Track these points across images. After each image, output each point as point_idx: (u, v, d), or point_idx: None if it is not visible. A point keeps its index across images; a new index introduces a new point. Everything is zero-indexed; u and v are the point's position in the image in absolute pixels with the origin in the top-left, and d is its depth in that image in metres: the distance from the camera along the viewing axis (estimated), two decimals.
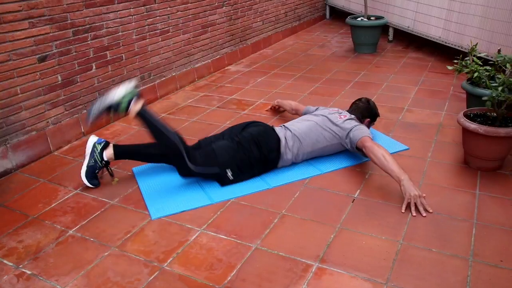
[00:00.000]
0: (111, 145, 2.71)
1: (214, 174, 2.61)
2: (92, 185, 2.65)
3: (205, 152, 2.63)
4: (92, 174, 2.65)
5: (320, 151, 2.84)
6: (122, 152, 2.72)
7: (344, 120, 2.83)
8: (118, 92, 2.47)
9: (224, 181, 2.62)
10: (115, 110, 2.47)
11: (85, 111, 3.42)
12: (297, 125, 2.84)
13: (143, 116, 2.50)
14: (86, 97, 3.43)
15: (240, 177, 2.64)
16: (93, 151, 2.66)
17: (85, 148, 2.71)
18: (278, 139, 2.72)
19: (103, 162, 2.66)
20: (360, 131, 2.72)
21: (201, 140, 2.83)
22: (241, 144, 2.64)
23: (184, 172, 2.60)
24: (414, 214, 2.30)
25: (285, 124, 2.89)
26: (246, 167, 2.64)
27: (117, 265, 2.04)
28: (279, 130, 2.79)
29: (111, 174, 2.76)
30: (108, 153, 2.68)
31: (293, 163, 2.83)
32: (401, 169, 2.40)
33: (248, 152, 2.63)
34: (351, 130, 2.75)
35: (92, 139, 2.71)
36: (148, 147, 2.73)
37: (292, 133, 2.77)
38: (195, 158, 2.55)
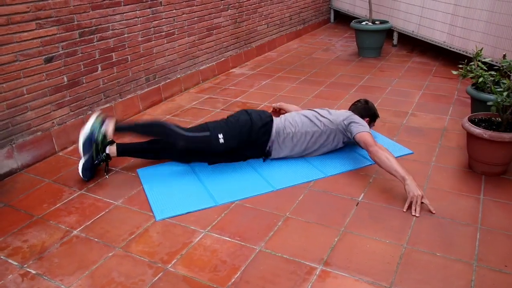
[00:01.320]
0: (115, 143, 2.83)
1: (205, 138, 2.73)
2: (84, 177, 2.72)
3: (198, 125, 2.89)
4: (90, 166, 2.71)
5: (314, 143, 2.87)
6: (125, 148, 2.87)
7: (337, 111, 2.95)
8: (86, 126, 2.73)
9: (215, 146, 2.73)
10: (96, 141, 2.72)
11: (90, 112, 3.44)
12: (292, 117, 2.95)
13: (122, 129, 2.80)
14: (92, 98, 3.45)
15: (230, 142, 2.75)
16: (96, 144, 2.75)
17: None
18: (271, 121, 2.85)
19: (105, 154, 2.78)
20: (357, 124, 2.76)
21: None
22: (235, 118, 2.84)
23: (181, 143, 2.72)
24: (414, 214, 2.32)
25: (281, 115, 3.04)
26: (236, 136, 2.76)
27: (122, 266, 2.04)
28: (274, 118, 2.92)
29: (106, 171, 2.84)
30: (111, 150, 2.81)
31: (290, 155, 2.90)
32: (405, 170, 2.43)
33: (240, 123, 2.78)
34: (347, 117, 2.84)
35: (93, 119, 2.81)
36: (148, 143, 2.90)
37: (286, 121, 2.90)
38: (188, 129, 2.78)
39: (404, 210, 2.35)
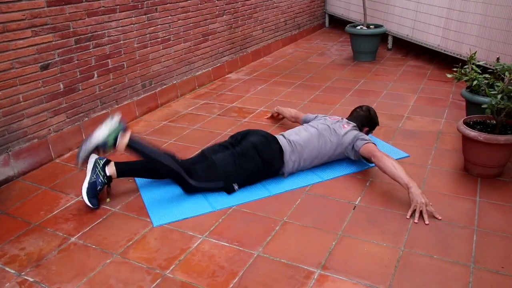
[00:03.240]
0: (112, 162, 2.62)
1: (219, 188, 2.62)
2: (91, 204, 2.49)
3: (206, 166, 2.62)
4: (93, 191, 2.51)
5: (321, 160, 2.85)
6: (125, 169, 2.66)
7: (346, 132, 2.83)
8: (103, 132, 2.44)
9: (230, 192, 2.64)
10: (103, 149, 2.47)
11: (86, 118, 3.44)
12: (297, 135, 2.82)
13: (133, 147, 2.50)
14: (88, 105, 3.45)
15: (245, 186, 2.67)
16: (95, 167, 2.55)
17: (87, 165, 2.58)
18: (280, 147, 2.72)
19: (106, 177, 2.56)
20: (362, 140, 2.75)
21: (204, 149, 2.82)
22: (243, 154, 2.64)
23: (188, 189, 2.62)
24: (416, 221, 2.31)
25: (284, 134, 2.87)
26: (250, 177, 2.66)
27: (120, 273, 2.04)
28: (279, 139, 2.78)
29: (108, 193, 2.67)
30: (111, 170, 2.59)
31: (295, 171, 2.84)
32: (410, 177, 2.43)
33: (251, 161, 2.63)
34: (353, 141, 2.78)
35: (94, 156, 2.59)
36: (150, 164, 2.69)
37: (293, 143, 2.76)
38: (196, 174, 2.57)
39: (408, 217, 2.35)
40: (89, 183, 2.52)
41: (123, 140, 2.45)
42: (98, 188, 2.53)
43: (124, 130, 2.49)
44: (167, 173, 2.67)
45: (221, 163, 2.60)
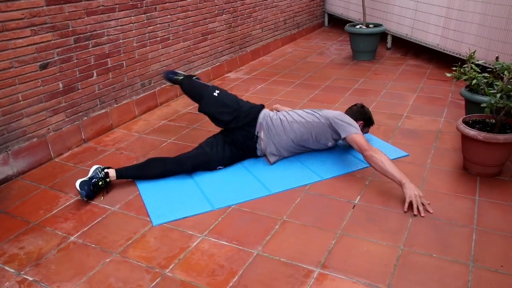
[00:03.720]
0: (113, 169, 2.75)
1: (202, 91, 3.01)
2: (80, 188, 2.54)
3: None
4: (88, 182, 2.60)
5: (306, 132, 2.88)
6: (124, 170, 2.78)
7: (329, 111, 2.97)
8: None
9: (208, 97, 2.96)
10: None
11: (85, 118, 3.44)
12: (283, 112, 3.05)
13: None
14: (87, 104, 3.45)
15: (223, 95, 2.98)
16: (95, 171, 2.69)
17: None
18: (261, 105, 3.04)
19: (103, 173, 2.67)
20: (348, 124, 2.76)
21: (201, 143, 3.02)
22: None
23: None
24: (416, 213, 2.34)
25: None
26: (231, 101, 2.97)
27: (119, 271, 2.04)
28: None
29: (105, 192, 2.70)
30: (111, 173, 2.72)
31: (280, 144, 2.90)
32: (402, 173, 2.45)
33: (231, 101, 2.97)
34: (336, 115, 2.84)
35: (95, 166, 2.77)
36: (148, 164, 2.83)
37: (276, 112, 3.05)
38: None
39: (405, 210, 2.37)
40: (86, 178, 2.64)
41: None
42: (93, 180, 2.62)
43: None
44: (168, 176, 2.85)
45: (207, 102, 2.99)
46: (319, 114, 2.92)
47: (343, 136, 2.75)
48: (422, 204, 2.39)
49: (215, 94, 2.96)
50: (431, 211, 2.37)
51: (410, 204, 2.39)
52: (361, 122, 3.04)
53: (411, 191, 2.39)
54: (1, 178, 2.86)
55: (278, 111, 3.63)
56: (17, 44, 2.85)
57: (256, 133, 2.90)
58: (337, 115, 2.85)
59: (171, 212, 2.47)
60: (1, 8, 2.72)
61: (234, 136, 2.91)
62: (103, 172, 2.68)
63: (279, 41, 6.42)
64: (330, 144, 2.96)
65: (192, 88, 3.17)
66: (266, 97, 4.30)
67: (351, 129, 2.73)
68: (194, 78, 3.26)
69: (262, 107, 3.03)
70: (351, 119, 2.85)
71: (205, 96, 2.99)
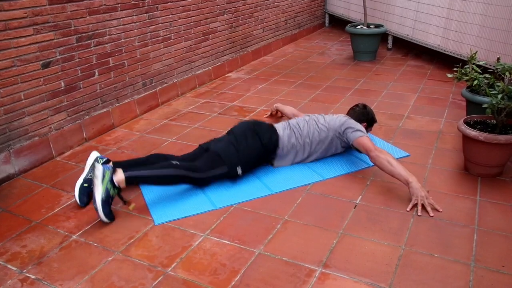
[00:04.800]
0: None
1: (225, 173, 2.66)
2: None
3: (207, 156, 2.70)
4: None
5: (318, 146, 2.89)
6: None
7: (336, 117, 2.94)
8: (98, 189, 2.33)
9: (235, 178, 2.74)
10: (111, 197, 2.38)
11: (87, 117, 3.44)
12: (291, 125, 2.96)
13: (132, 179, 2.43)
14: (89, 103, 3.45)
15: (247, 170, 2.77)
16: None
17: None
18: (271, 125, 2.90)
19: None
20: (356, 130, 2.77)
21: (201, 144, 2.89)
22: (240, 136, 2.75)
23: (199, 183, 2.65)
24: (420, 214, 2.35)
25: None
26: (252, 156, 2.74)
27: (121, 270, 2.04)
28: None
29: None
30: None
31: (293, 162, 2.91)
32: (408, 172, 2.46)
33: (249, 140, 2.74)
34: (342, 123, 2.85)
35: (94, 154, 2.72)
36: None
37: (287, 124, 2.94)
38: (200, 168, 2.61)
39: (408, 210, 2.39)
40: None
41: (119, 177, 2.38)
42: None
43: (112, 170, 2.40)
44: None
45: (222, 149, 2.70)
46: (324, 126, 2.89)
47: (350, 141, 2.76)
48: (430, 204, 2.39)
49: (240, 173, 2.71)
50: (440, 210, 2.38)
51: (415, 205, 2.40)
52: (365, 123, 3.05)
53: (418, 192, 2.39)
54: (3, 177, 2.86)
55: (279, 113, 3.66)
56: (19, 42, 2.85)
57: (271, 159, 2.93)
58: (343, 123, 2.85)
59: (173, 211, 2.48)
60: (4, 6, 2.73)
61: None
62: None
63: (280, 41, 6.42)
64: (339, 151, 2.98)
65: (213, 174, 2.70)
66: (267, 97, 4.31)
67: (357, 133, 2.75)
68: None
69: (278, 139, 2.85)
70: (355, 122, 2.86)
71: (231, 176, 2.73)
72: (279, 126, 2.92)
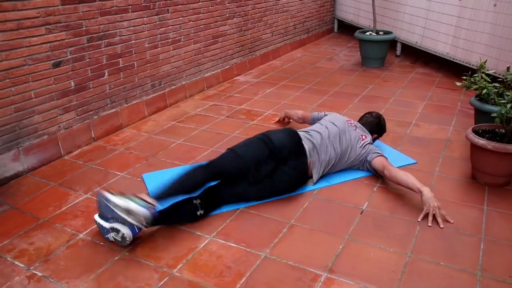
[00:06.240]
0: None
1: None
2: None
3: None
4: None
5: (337, 160, 2.81)
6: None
7: (363, 144, 2.85)
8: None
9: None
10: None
11: (96, 116, 3.47)
12: (317, 133, 2.80)
13: (158, 221, 2.25)
14: (98, 103, 3.48)
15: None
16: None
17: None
18: (304, 148, 2.68)
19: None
20: (375, 153, 2.80)
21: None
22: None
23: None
24: (430, 224, 2.34)
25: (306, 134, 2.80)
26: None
27: (128, 270, 2.05)
28: (302, 138, 2.73)
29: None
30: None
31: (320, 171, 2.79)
32: (421, 182, 2.47)
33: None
34: (367, 154, 2.82)
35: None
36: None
37: (313, 139, 2.75)
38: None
39: (419, 220, 2.37)
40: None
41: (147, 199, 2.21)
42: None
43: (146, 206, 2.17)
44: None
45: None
46: (354, 154, 2.82)
47: (371, 164, 2.78)
48: (441, 215, 2.38)
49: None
50: (452, 221, 2.36)
51: (426, 214, 2.39)
52: (376, 135, 3.06)
53: (430, 202, 2.37)
54: (12, 174, 2.88)
55: (287, 119, 3.64)
56: (31, 42, 2.88)
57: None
58: (368, 153, 2.82)
59: None
60: (18, 6, 2.76)
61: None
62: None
63: (289, 45, 6.44)
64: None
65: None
66: (275, 101, 4.32)
67: (376, 155, 2.78)
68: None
69: (303, 149, 2.69)
70: (375, 148, 2.87)
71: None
72: (307, 144, 2.71)
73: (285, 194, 2.63)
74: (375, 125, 3.07)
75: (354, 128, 2.93)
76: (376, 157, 2.76)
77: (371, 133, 3.01)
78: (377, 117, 3.12)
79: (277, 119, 3.77)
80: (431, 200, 2.38)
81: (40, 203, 2.62)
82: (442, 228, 2.31)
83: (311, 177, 2.75)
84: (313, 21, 7.08)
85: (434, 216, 2.37)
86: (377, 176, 2.82)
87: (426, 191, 2.41)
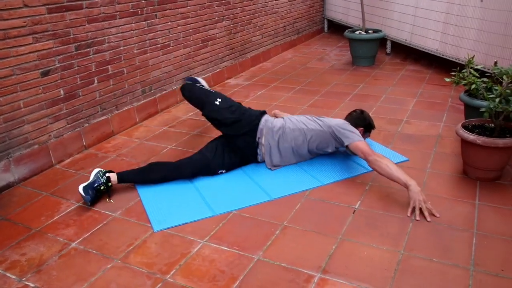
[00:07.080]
0: (115, 173, 2.77)
1: (203, 99, 3.07)
2: (85, 195, 2.58)
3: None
4: (91, 185, 2.63)
5: (307, 140, 2.90)
6: (125, 174, 2.81)
7: (320, 118, 2.99)
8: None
9: (209, 105, 3.00)
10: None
11: (86, 124, 3.45)
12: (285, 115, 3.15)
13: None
14: (88, 111, 3.47)
15: (224, 103, 2.99)
16: (96, 175, 2.72)
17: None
18: (263, 111, 3.07)
19: (105, 177, 2.70)
20: (351, 132, 2.77)
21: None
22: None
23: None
24: (418, 218, 2.35)
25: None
26: (232, 110, 2.98)
27: (120, 277, 2.05)
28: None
29: (109, 196, 2.72)
30: (112, 177, 2.74)
31: (283, 153, 2.93)
32: (407, 175, 2.46)
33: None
34: (338, 124, 2.84)
35: (96, 170, 2.78)
36: (149, 169, 2.87)
37: (279, 118, 3.10)
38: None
39: (408, 215, 2.38)
40: (88, 183, 2.66)
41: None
42: (96, 185, 2.65)
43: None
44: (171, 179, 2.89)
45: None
46: (321, 121, 2.94)
47: (346, 144, 2.75)
48: (427, 208, 2.39)
49: (217, 103, 2.97)
50: (438, 215, 2.38)
51: (414, 208, 2.40)
52: (361, 128, 3.05)
53: (416, 196, 2.39)
54: (3, 185, 2.87)
55: (277, 117, 3.66)
56: (18, 51, 2.87)
57: (257, 139, 2.91)
58: (340, 123, 2.85)
59: (172, 218, 2.48)
60: (3, 16, 2.75)
61: (235, 143, 2.92)
62: (104, 177, 2.70)
63: (279, 47, 6.45)
64: (330, 149, 2.96)
65: (192, 95, 3.19)
66: (266, 103, 4.32)
67: (354, 137, 2.74)
68: (197, 85, 3.28)
69: (263, 113, 3.05)
70: (352, 127, 2.85)
71: (206, 104, 3.01)
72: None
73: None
74: (358, 119, 3.07)
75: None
76: (354, 142, 2.70)
77: (357, 127, 2.99)
78: (360, 112, 3.13)
79: None
80: (418, 194, 2.39)
81: (32, 213, 2.61)
82: (430, 221, 2.32)
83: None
84: (302, 21, 7.09)
85: (421, 210, 2.38)
86: (370, 173, 2.82)
87: (413, 185, 2.41)
